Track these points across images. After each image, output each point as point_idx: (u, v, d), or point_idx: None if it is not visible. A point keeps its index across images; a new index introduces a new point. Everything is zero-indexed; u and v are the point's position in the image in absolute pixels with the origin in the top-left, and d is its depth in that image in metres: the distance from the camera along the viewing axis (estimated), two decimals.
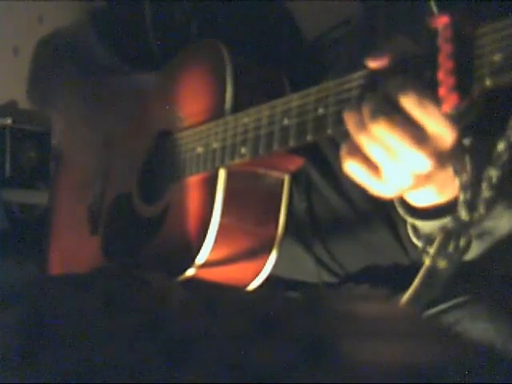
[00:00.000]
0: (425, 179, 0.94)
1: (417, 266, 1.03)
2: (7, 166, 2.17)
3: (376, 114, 0.91)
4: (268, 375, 0.45)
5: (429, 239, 1.02)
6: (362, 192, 1.21)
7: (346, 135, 0.96)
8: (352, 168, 0.95)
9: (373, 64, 0.95)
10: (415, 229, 1.07)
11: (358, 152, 0.94)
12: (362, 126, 0.92)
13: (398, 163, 0.91)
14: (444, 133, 0.90)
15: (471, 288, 1.13)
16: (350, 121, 0.94)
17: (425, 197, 0.99)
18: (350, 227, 1.24)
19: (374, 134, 0.91)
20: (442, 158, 0.92)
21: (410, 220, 1.04)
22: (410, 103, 0.89)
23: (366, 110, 0.92)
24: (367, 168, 0.94)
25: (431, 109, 0.88)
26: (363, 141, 0.92)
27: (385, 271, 1.23)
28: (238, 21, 1.31)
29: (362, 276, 1.24)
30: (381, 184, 0.94)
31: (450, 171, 0.96)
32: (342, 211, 1.23)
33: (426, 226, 1.02)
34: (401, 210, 1.04)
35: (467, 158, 0.95)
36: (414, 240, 1.08)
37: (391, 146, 0.90)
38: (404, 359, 0.48)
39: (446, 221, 0.99)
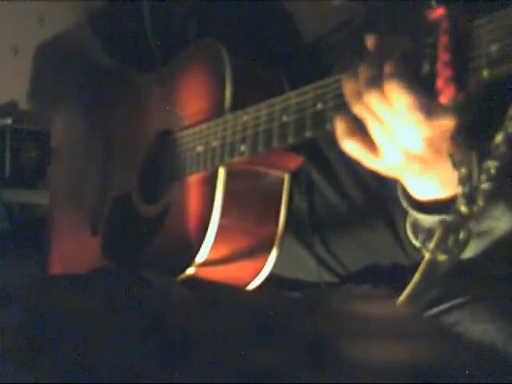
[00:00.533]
0: (421, 163, 0.94)
1: (417, 265, 1.03)
2: (7, 165, 2.17)
3: (370, 83, 0.91)
4: (268, 375, 0.45)
5: (428, 234, 1.02)
6: (363, 192, 1.21)
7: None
8: (348, 145, 0.95)
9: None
10: (414, 225, 1.07)
11: (354, 128, 0.94)
12: (359, 94, 0.92)
13: (390, 137, 0.92)
14: (439, 121, 0.90)
15: (471, 288, 1.13)
16: (347, 88, 0.95)
17: (428, 189, 1.00)
18: (350, 227, 1.24)
19: (366, 103, 0.91)
20: (436, 143, 0.92)
21: (413, 213, 1.04)
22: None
23: (361, 78, 0.92)
24: (363, 144, 0.94)
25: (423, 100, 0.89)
26: (358, 110, 0.93)
27: (385, 271, 1.23)
28: (238, 21, 1.31)
29: (363, 276, 1.24)
30: (375, 159, 0.95)
31: (447, 164, 0.96)
32: (342, 211, 1.23)
33: (428, 220, 1.02)
34: (405, 203, 1.04)
35: (467, 151, 0.96)
36: (411, 237, 1.08)
37: (383, 117, 0.91)
38: (404, 359, 0.48)
39: (446, 215, 0.99)
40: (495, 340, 1.05)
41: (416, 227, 1.07)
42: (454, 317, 1.11)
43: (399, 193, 1.04)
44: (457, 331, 1.03)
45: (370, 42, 0.95)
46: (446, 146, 0.94)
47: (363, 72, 0.92)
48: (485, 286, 1.14)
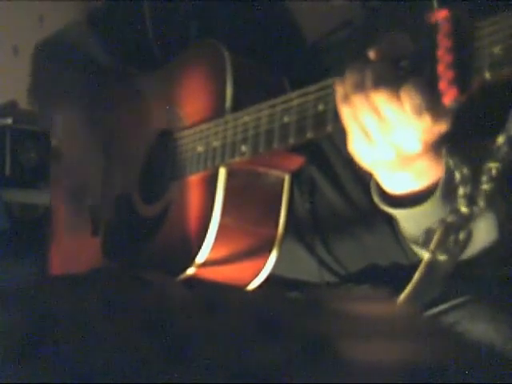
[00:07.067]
0: (406, 162, 0.94)
1: (416, 266, 1.03)
2: (7, 165, 2.17)
3: (379, 82, 0.91)
4: (268, 375, 0.45)
5: (428, 234, 1.02)
6: (364, 192, 1.21)
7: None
8: (345, 110, 0.95)
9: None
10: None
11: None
12: (362, 89, 0.92)
13: (388, 135, 0.92)
14: (440, 124, 0.90)
15: (471, 288, 1.13)
16: (350, 80, 0.94)
17: (403, 182, 1.00)
18: (351, 228, 1.24)
19: (373, 101, 0.91)
20: (432, 146, 0.92)
21: (385, 209, 1.04)
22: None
23: (368, 75, 0.92)
24: (359, 128, 0.94)
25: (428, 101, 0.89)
26: (358, 104, 0.92)
27: (385, 271, 1.23)
28: (238, 21, 1.31)
29: (363, 276, 1.24)
30: (366, 147, 0.94)
31: (428, 159, 0.96)
32: (344, 212, 1.23)
33: (411, 228, 1.02)
34: (376, 199, 1.04)
35: (467, 152, 0.96)
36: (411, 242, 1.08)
37: (387, 116, 0.91)
38: (404, 359, 0.48)
39: (446, 215, 0.99)
40: (495, 340, 1.05)
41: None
42: (454, 317, 1.12)
43: (372, 189, 1.04)
44: (456, 331, 1.03)
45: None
46: (438, 148, 0.94)
47: (372, 68, 0.92)
48: (485, 286, 1.14)
